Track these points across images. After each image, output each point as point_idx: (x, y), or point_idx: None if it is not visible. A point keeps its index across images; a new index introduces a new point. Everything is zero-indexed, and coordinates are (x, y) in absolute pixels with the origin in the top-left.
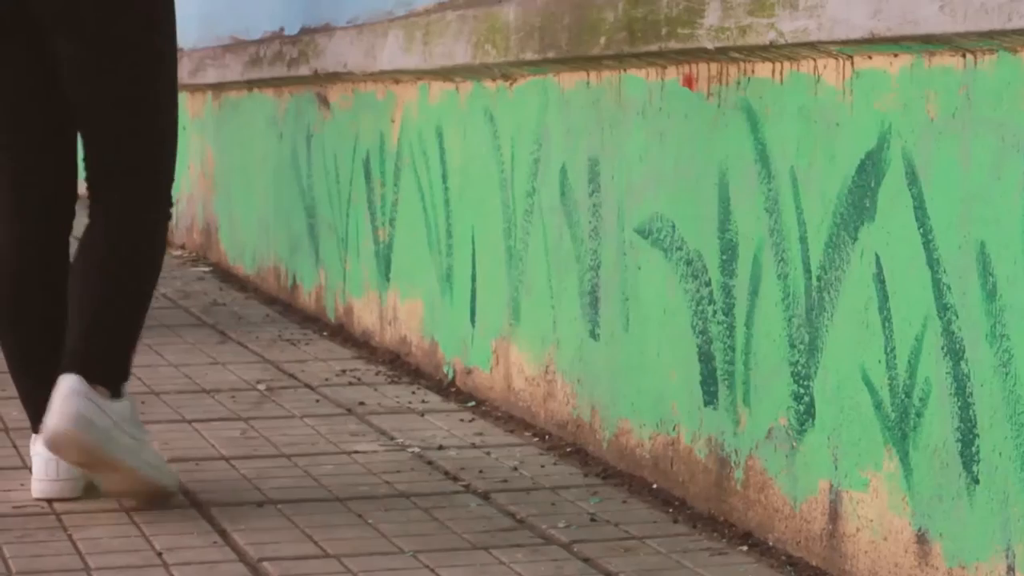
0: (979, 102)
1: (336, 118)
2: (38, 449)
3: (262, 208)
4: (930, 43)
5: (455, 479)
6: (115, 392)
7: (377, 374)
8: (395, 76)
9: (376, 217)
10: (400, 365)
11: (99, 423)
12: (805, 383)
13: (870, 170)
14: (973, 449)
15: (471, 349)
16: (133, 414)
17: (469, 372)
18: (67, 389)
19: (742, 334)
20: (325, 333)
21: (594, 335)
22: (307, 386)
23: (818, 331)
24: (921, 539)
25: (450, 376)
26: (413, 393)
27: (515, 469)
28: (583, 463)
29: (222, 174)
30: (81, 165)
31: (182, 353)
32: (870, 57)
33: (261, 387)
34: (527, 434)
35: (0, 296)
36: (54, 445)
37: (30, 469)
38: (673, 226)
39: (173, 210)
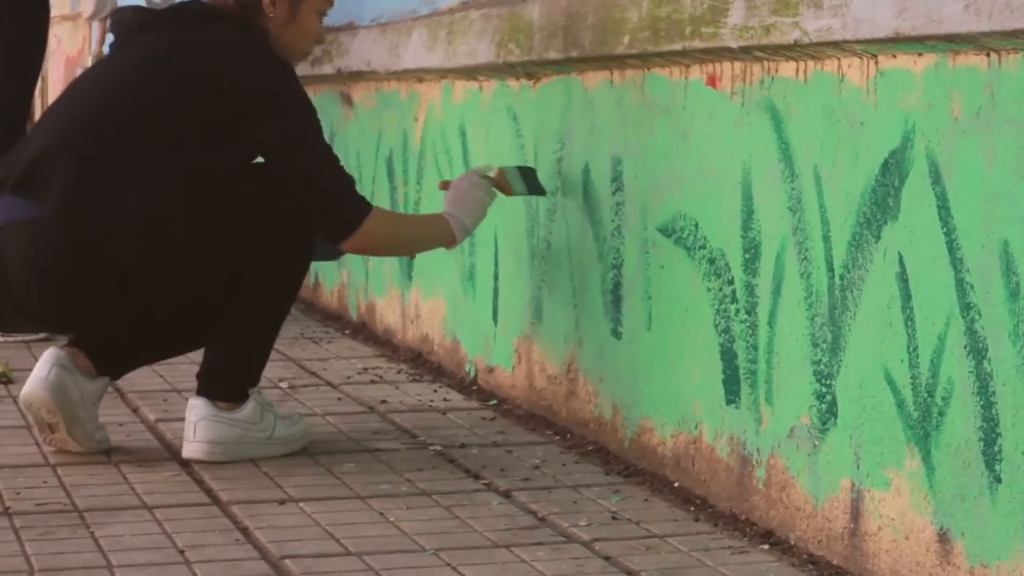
0: (1003, 101)
1: (359, 116)
2: (46, 355)
3: None
4: (954, 42)
5: (477, 477)
6: (241, 398)
7: (399, 372)
8: (418, 75)
9: None
10: (422, 363)
11: (230, 439)
12: (827, 382)
13: (894, 169)
14: (995, 448)
15: (493, 347)
16: (257, 410)
17: (491, 370)
18: (194, 415)
19: (765, 333)
20: (347, 331)
21: (616, 334)
22: (329, 384)
23: (841, 330)
24: (943, 538)
25: (472, 374)
26: (435, 391)
27: (537, 467)
28: (604, 461)
29: None
30: None
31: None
32: (894, 56)
33: (283, 385)
34: (549, 432)
35: None
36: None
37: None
38: (696, 225)
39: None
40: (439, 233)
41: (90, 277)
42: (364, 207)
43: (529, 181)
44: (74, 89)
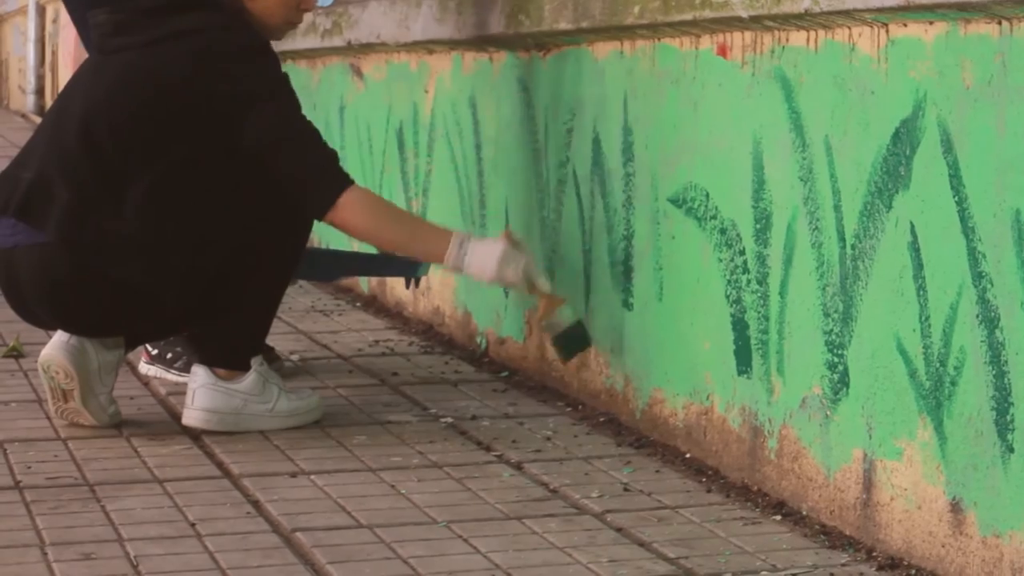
0: (1014, 69)
1: (370, 89)
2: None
3: None
4: (965, 10)
5: (488, 449)
6: (243, 366)
7: (410, 345)
8: (428, 46)
9: (409, 187)
10: (433, 336)
11: (227, 408)
12: (839, 352)
13: (905, 138)
14: (1008, 418)
15: (504, 319)
16: (259, 381)
17: (502, 342)
18: (194, 382)
19: (776, 303)
20: (358, 304)
21: (627, 304)
22: (340, 357)
23: (852, 300)
24: (955, 508)
25: (483, 346)
26: (446, 363)
27: (548, 439)
28: (616, 433)
29: None
30: None
31: None
32: (905, 25)
33: (294, 358)
34: (560, 404)
35: None
36: (197, 429)
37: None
38: (707, 195)
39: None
40: (429, 244)
41: (97, 294)
42: (342, 181)
43: (570, 335)
44: (64, 105)
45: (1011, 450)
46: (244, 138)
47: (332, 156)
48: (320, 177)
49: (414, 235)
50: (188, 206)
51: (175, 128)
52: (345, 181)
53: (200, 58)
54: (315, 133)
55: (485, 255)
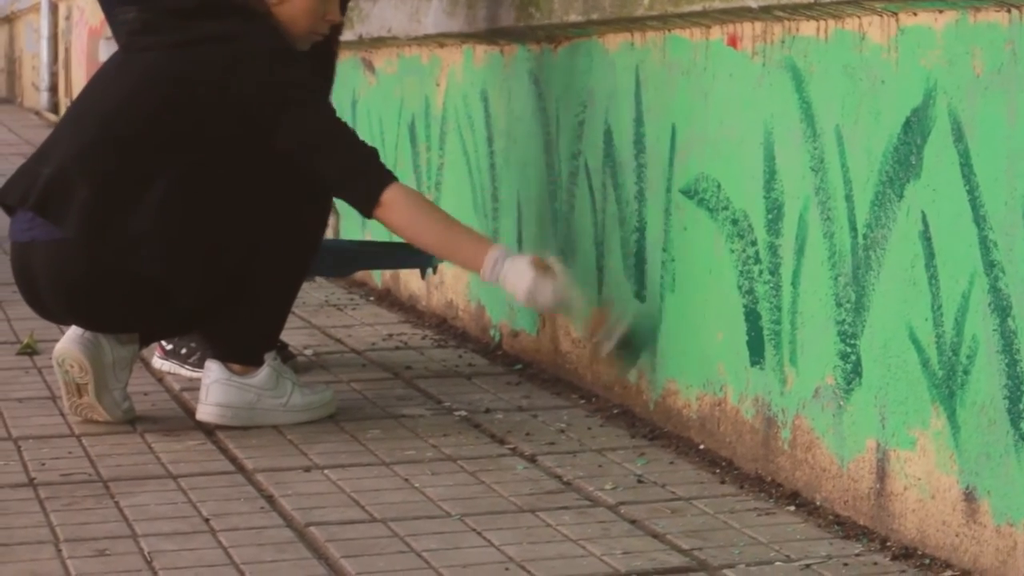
0: None
1: (381, 83)
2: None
3: None
4: None
5: (502, 442)
6: (257, 361)
7: (424, 338)
8: (440, 40)
9: (422, 181)
10: (447, 329)
11: (241, 403)
12: (852, 342)
13: (916, 127)
14: (1021, 406)
15: (517, 312)
16: (272, 376)
17: (516, 335)
18: (208, 378)
19: (788, 293)
20: (372, 298)
21: (640, 296)
22: (354, 351)
23: (864, 289)
24: (969, 497)
25: (497, 339)
26: (460, 357)
27: (562, 431)
28: (630, 424)
29: None
30: None
31: None
32: (915, 13)
33: (308, 352)
34: (574, 396)
35: None
36: (211, 424)
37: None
38: (719, 186)
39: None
40: (466, 254)
41: (114, 291)
42: (385, 178)
43: (625, 344)
44: (86, 101)
45: None
46: (279, 143)
47: (372, 154)
48: (362, 175)
49: (451, 242)
50: (206, 204)
51: (199, 129)
52: (387, 178)
53: (232, 64)
54: (352, 133)
55: (517, 278)
